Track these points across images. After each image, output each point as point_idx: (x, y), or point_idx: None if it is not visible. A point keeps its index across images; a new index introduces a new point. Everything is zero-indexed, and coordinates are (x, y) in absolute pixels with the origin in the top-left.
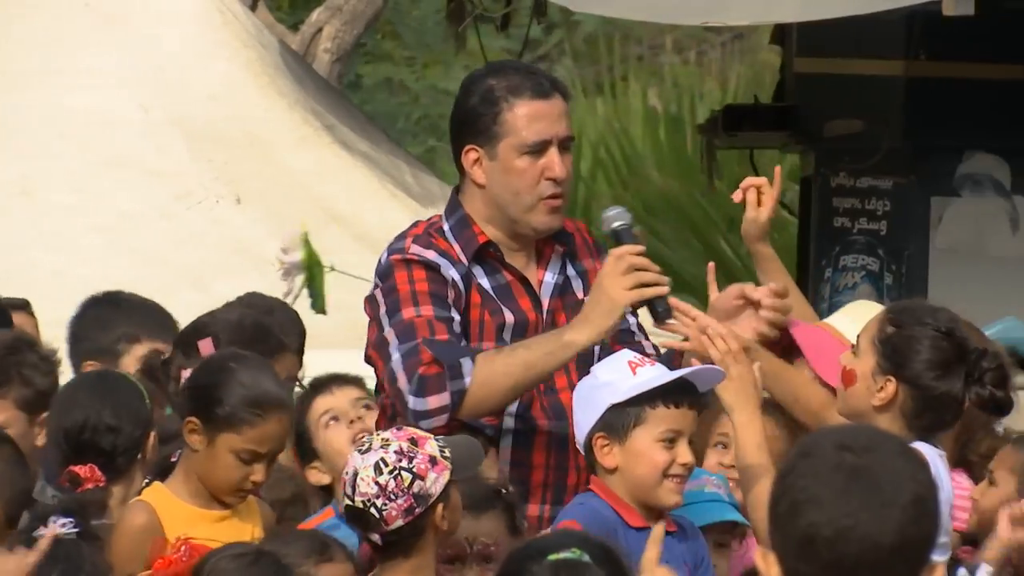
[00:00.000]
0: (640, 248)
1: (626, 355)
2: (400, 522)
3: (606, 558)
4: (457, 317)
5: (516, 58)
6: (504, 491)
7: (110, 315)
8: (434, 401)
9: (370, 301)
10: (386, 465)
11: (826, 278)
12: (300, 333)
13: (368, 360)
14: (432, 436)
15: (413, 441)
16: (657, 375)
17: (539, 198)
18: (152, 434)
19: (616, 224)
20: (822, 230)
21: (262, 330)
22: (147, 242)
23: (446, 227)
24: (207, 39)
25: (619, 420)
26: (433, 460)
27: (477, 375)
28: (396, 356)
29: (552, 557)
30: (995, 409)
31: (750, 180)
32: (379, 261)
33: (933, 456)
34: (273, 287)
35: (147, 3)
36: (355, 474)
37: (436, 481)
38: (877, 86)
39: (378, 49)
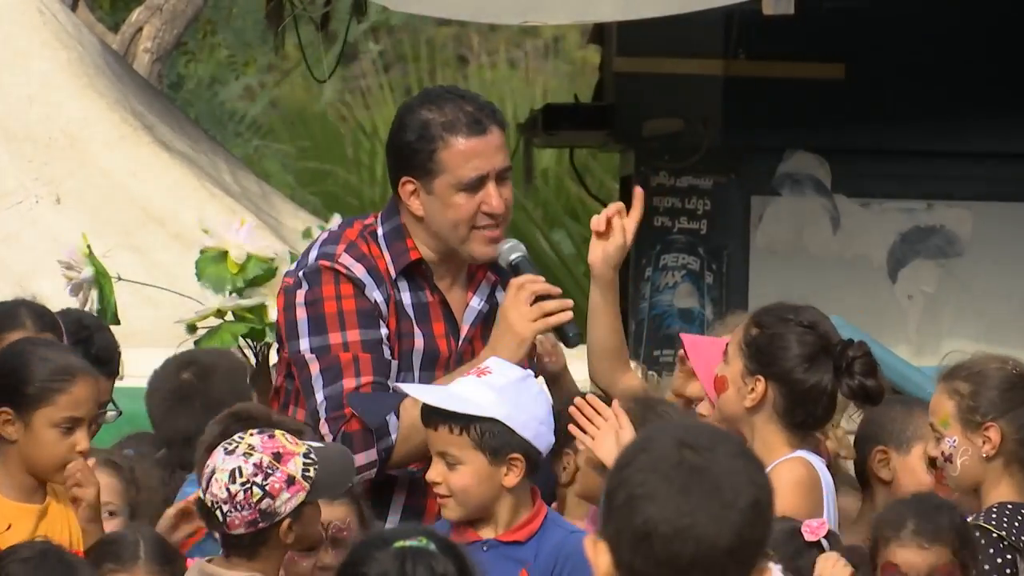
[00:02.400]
0: (540, 278)
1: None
2: (241, 530)
3: (450, 548)
4: (384, 333)
5: (336, 58)
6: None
7: None
8: (361, 458)
9: (286, 292)
10: (240, 475)
11: (646, 277)
12: (117, 355)
13: (279, 351)
14: (302, 453)
15: (277, 456)
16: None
17: (475, 228)
18: None
19: (513, 257)
20: (642, 229)
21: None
22: None
23: (380, 231)
24: (25, 39)
25: None
26: (291, 480)
27: (401, 429)
28: (320, 398)
29: (398, 545)
30: (867, 399)
31: (615, 206)
32: (305, 253)
33: (820, 465)
34: None
35: None
36: (212, 472)
37: (287, 501)
38: (696, 85)
39: (200, 48)
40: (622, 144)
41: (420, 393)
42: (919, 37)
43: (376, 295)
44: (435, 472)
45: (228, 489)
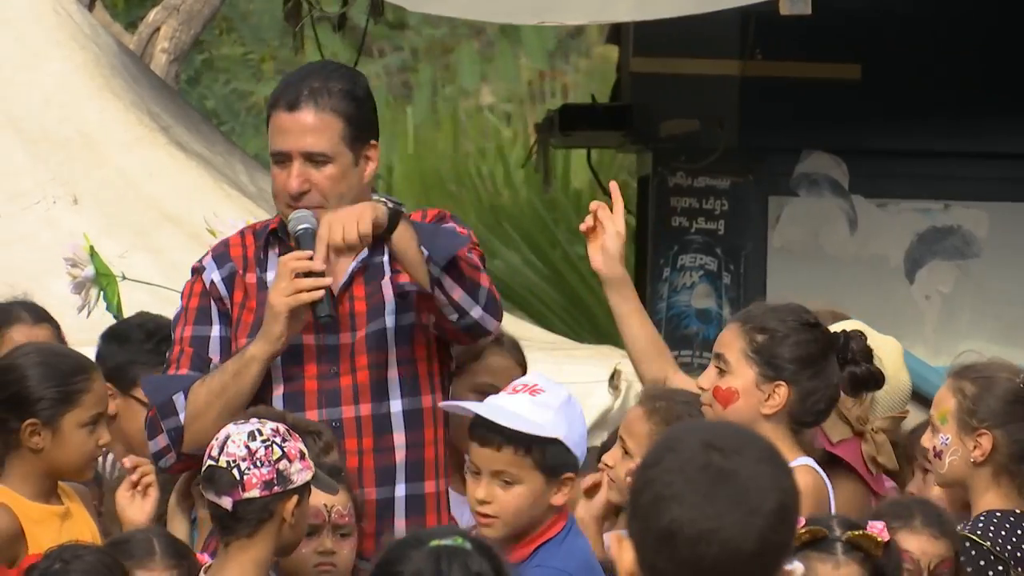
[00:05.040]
0: (307, 253)
1: (525, 377)
2: (256, 492)
3: (486, 549)
4: (215, 332)
5: (355, 57)
6: (342, 471)
7: None
8: (161, 440)
9: None
10: (260, 435)
11: (664, 277)
12: None
13: None
14: (301, 439)
15: (289, 431)
16: (472, 407)
17: (289, 206)
18: None
19: (298, 228)
20: (660, 230)
21: None
22: None
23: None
24: (41, 40)
25: None
26: (302, 454)
27: (188, 409)
28: None
29: (433, 544)
30: (875, 384)
31: (597, 204)
32: None
33: (823, 474)
34: None
35: None
36: (227, 437)
37: (300, 472)
38: (713, 86)
39: (216, 45)
40: (639, 145)
41: (484, 411)
42: (936, 37)
43: (214, 275)
44: (485, 491)
45: (248, 447)
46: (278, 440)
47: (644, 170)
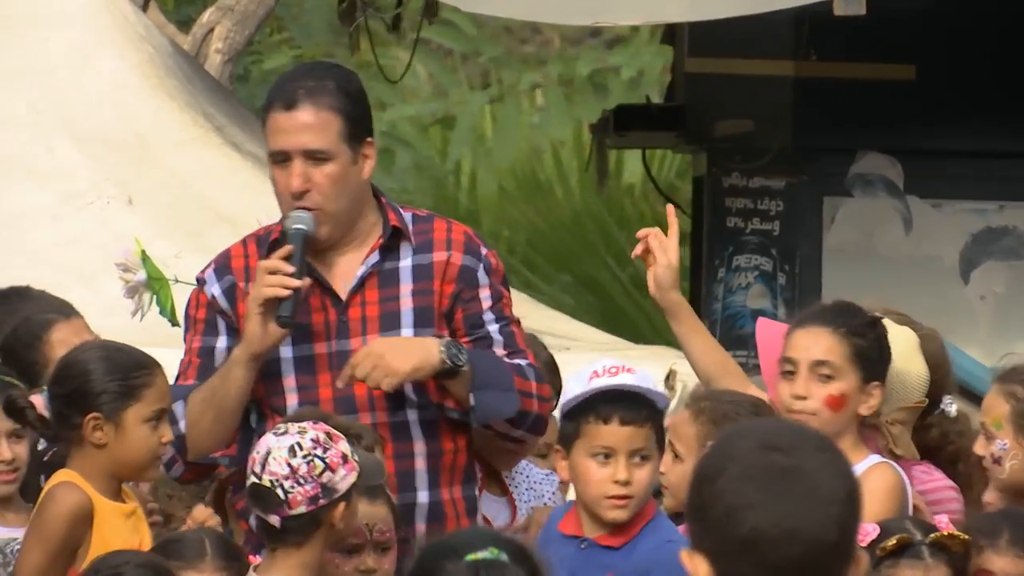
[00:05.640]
0: (286, 251)
1: (597, 363)
2: (303, 508)
3: (522, 556)
4: (220, 343)
5: (407, 58)
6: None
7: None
8: (168, 450)
9: None
10: (301, 449)
11: (719, 278)
12: None
13: None
14: (343, 437)
15: (329, 435)
16: (595, 387)
17: (289, 208)
18: None
19: (292, 227)
20: (715, 230)
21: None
22: (37, 243)
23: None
24: (96, 40)
25: (565, 432)
26: (345, 458)
27: (188, 416)
28: None
29: (470, 557)
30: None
31: (646, 231)
32: None
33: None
34: None
35: (36, 4)
36: (267, 453)
37: (344, 478)
38: (767, 86)
39: (268, 47)
40: (693, 145)
41: (640, 384)
42: (989, 37)
43: (214, 289)
44: (626, 471)
45: (289, 464)
46: (319, 452)
47: (699, 171)
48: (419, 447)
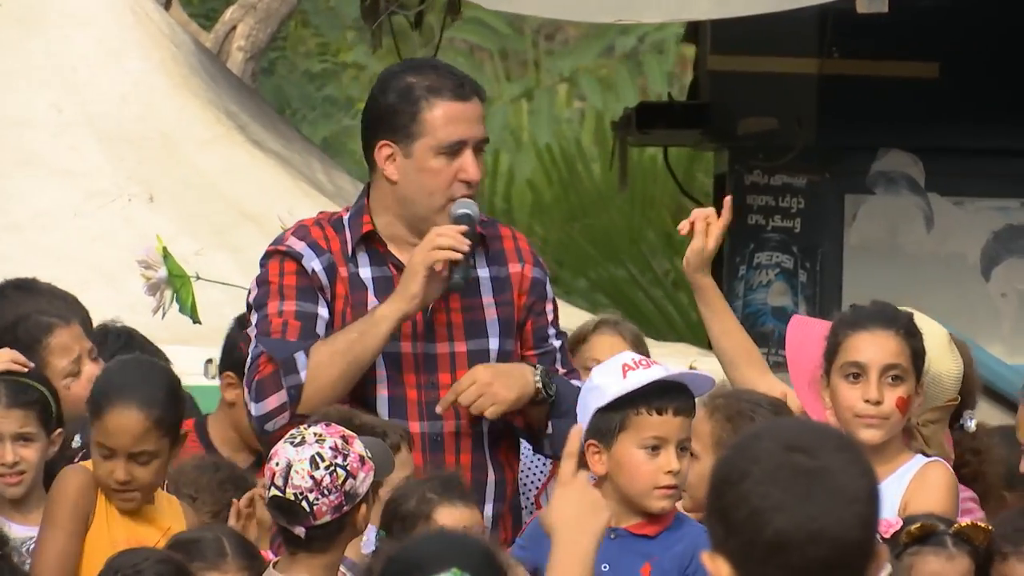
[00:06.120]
0: (460, 228)
1: (623, 357)
2: (328, 518)
3: (486, 564)
4: (322, 312)
5: (432, 55)
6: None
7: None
8: (273, 401)
9: (250, 289)
10: (322, 460)
11: (740, 275)
12: None
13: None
14: (356, 436)
15: (344, 439)
16: (643, 379)
17: (450, 199)
18: None
19: (459, 211)
20: (736, 227)
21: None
22: (60, 241)
23: (346, 218)
24: (119, 39)
25: (606, 425)
26: (362, 460)
27: (310, 366)
28: (248, 363)
29: None
30: None
31: (700, 211)
32: None
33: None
34: None
35: (59, 3)
36: (289, 466)
37: (364, 481)
38: (790, 84)
39: (291, 41)
40: (716, 143)
41: (698, 374)
42: (1013, 35)
43: (315, 264)
44: (678, 462)
45: (312, 477)
46: (339, 461)
47: (721, 168)
48: (489, 459)
